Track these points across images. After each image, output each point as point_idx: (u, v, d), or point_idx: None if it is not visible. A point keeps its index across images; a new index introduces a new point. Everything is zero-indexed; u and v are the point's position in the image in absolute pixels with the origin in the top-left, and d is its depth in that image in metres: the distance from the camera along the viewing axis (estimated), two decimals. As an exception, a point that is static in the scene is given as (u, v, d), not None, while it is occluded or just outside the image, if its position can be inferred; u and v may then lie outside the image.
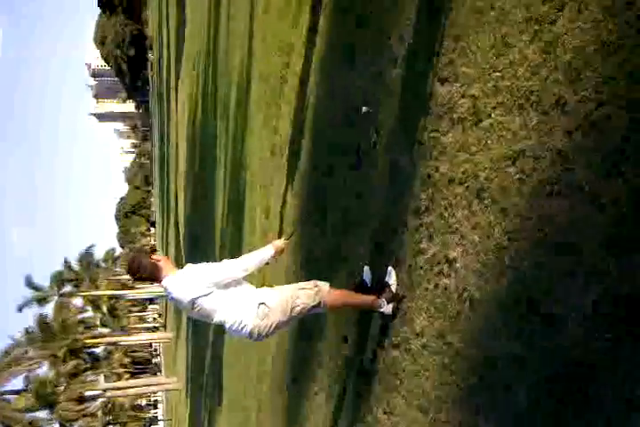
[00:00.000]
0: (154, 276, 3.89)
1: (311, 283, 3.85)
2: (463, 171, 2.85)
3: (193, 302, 3.72)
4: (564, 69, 2.20)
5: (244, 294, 3.79)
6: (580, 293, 2.04)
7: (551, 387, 2.18)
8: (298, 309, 3.73)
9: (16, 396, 30.08)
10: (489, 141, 2.63)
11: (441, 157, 3.08)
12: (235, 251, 10.85)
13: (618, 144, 1.93)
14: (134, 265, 3.89)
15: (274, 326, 3.73)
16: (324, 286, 3.81)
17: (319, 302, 3.77)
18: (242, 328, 3.72)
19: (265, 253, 3.94)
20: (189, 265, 3.88)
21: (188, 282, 3.74)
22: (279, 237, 4.30)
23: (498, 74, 2.57)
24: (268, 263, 4.07)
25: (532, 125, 2.34)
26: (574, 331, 2.06)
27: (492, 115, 2.61)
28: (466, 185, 2.83)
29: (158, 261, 3.84)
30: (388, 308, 3.70)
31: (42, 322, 33.06)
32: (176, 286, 3.77)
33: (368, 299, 3.79)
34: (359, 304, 3.90)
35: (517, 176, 2.42)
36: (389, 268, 3.73)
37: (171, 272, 3.82)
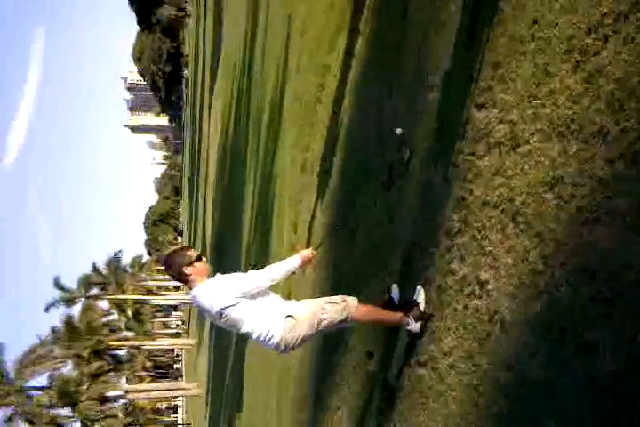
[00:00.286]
0: (179, 280, 3.96)
1: (339, 297, 3.87)
2: (498, 194, 2.87)
3: (221, 312, 3.76)
4: (606, 99, 2.22)
5: (272, 306, 3.82)
6: (619, 322, 2.05)
7: (583, 416, 2.18)
8: (325, 322, 3.75)
9: (39, 392, 30.48)
10: (526, 167, 2.65)
11: (476, 180, 3.10)
12: (261, 264, 10.91)
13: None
14: (167, 261, 3.96)
15: (300, 338, 3.75)
16: (352, 301, 3.83)
17: (346, 317, 3.80)
18: (268, 340, 3.76)
19: (292, 262, 3.95)
20: (218, 275, 3.93)
21: (216, 292, 3.78)
22: (307, 246, 4.31)
23: (537, 101, 2.60)
24: (294, 273, 4.08)
25: (572, 153, 2.36)
26: (611, 360, 2.07)
27: (531, 141, 2.63)
28: (501, 208, 2.85)
29: (189, 275, 3.84)
30: (415, 326, 3.71)
31: (68, 322, 33.50)
32: (205, 295, 3.81)
33: (396, 316, 3.81)
34: (387, 321, 3.91)
35: (555, 202, 2.44)
36: (418, 286, 3.75)
37: (200, 282, 3.86)
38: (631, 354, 1.98)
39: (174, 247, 4.20)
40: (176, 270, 3.88)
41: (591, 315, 2.19)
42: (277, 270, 3.91)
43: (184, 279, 3.90)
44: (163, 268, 4.02)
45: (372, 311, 3.88)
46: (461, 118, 3.26)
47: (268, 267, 3.97)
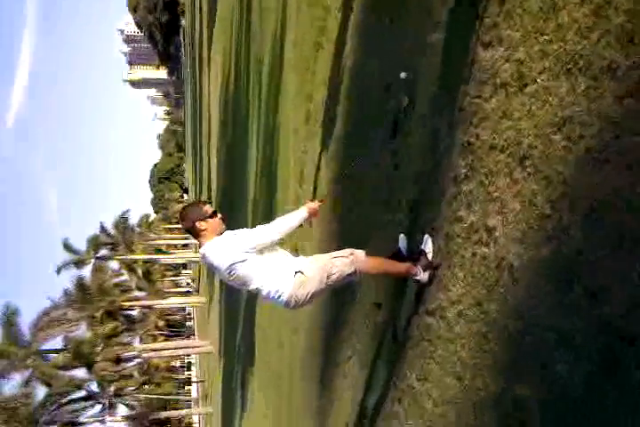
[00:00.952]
0: (191, 234, 3.94)
1: (347, 251, 3.84)
2: (505, 138, 2.79)
3: (229, 268, 3.75)
4: (615, 33, 2.12)
5: (281, 262, 3.80)
6: (627, 263, 2.01)
7: (591, 357, 2.17)
8: (334, 277, 3.74)
9: (55, 355, 31.14)
10: (534, 107, 2.56)
11: (482, 123, 3.02)
12: (267, 218, 10.92)
13: (672, 110, 1.86)
14: (182, 214, 3.95)
15: (310, 294, 3.75)
16: (360, 253, 3.81)
17: (355, 270, 3.78)
18: (278, 297, 3.75)
19: (298, 215, 3.93)
20: (227, 232, 3.90)
21: (224, 249, 3.76)
22: (313, 199, 4.28)
23: (545, 37, 2.49)
24: (301, 226, 4.06)
25: (581, 91, 2.27)
26: (619, 303, 2.03)
27: (538, 80, 2.53)
28: (508, 152, 2.77)
29: (202, 230, 3.82)
30: (424, 275, 3.69)
31: (79, 284, 33.91)
32: (214, 252, 3.80)
33: (404, 266, 3.79)
34: (395, 272, 3.90)
35: (563, 143, 2.36)
36: (426, 235, 3.71)
37: (210, 239, 3.84)
38: (638, 295, 1.95)
39: (191, 201, 4.18)
40: (189, 224, 3.86)
41: (599, 258, 2.15)
42: (285, 223, 3.88)
43: (196, 234, 3.88)
44: (173, 225, 4.01)
45: (379, 263, 3.87)
46: (467, 59, 3.15)
47: (275, 220, 3.94)
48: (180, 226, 4.22)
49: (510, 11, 2.75)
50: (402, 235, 4.09)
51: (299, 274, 3.72)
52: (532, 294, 2.57)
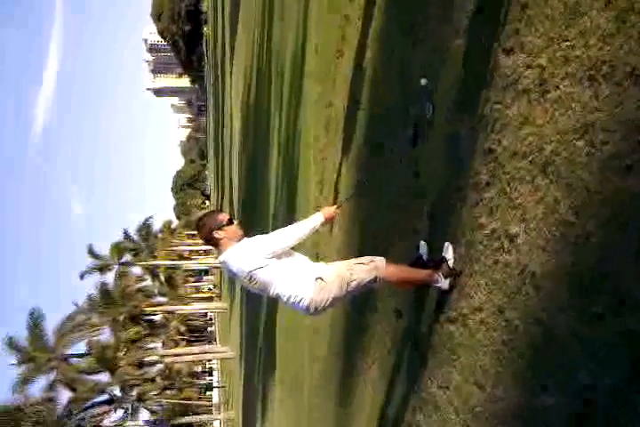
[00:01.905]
0: (209, 243, 3.96)
1: (367, 258, 3.83)
2: (527, 144, 2.77)
3: (250, 275, 3.77)
4: (638, 38, 2.09)
5: (301, 267, 3.81)
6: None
7: (617, 366, 2.14)
8: (354, 284, 3.73)
9: (79, 359, 31.44)
10: (556, 114, 2.54)
11: (504, 130, 3.00)
12: (288, 224, 10.91)
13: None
14: (199, 225, 3.97)
15: (330, 300, 3.75)
16: (381, 261, 3.80)
17: (375, 277, 3.77)
18: (299, 302, 3.76)
19: (315, 220, 3.94)
20: (245, 239, 3.91)
21: (244, 255, 3.78)
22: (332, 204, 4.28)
23: (567, 43, 2.47)
24: (318, 230, 4.07)
25: (604, 97, 2.25)
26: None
27: (560, 86, 2.51)
28: (530, 159, 2.75)
29: (219, 239, 3.85)
30: (445, 283, 3.67)
31: (103, 289, 34.25)
32: (234, 259, 3.82)
33: (424, 273, 3.77)
34: (415, 279, 3.87)
35: (586, 150, 2.34)
36: (447, 243, 3.69)
37: (230, 247, 3.85)
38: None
39: (206, 211, 4.22)
40: (207, 234, 3.89)
41: (624, 266, 2.12)
42: (301, 229, 3.90)
43: (214, 243, 3.91)
44: (194, 231, 4.07)
45: (400, 271, 3.85)
46: (488, 65, 3.13)
47: (291, 225, 3.95)
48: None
49: (532, 17, 2.73)
50: (422, 242, 4.07)
51: (319, 280, 3.72)
52: (555, 302, 2.54)
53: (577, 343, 2.37)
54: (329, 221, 4.04)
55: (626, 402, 2.08)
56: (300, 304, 3.77)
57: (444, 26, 3.81)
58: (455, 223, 3.60)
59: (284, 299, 3.82)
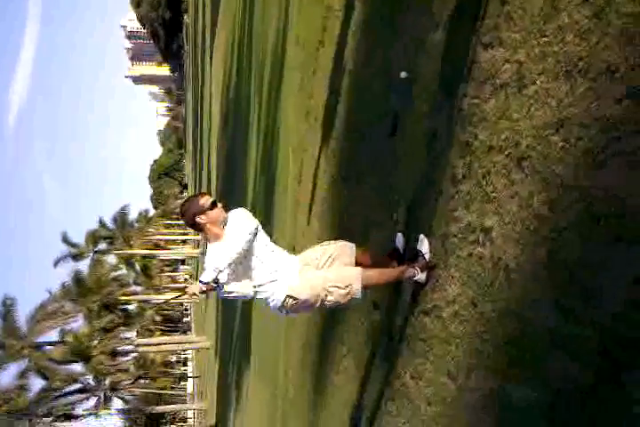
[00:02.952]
0: (193, 228, 3.93)
1: (345, 279, 3.75)
2: (504, 138, 2.79)
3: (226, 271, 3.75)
4: (615, 35, 2.12)
5: (275, 268, 3.80)
6: (623, 265, 2.01)
7: (587, 358, 2.18)
8: (327, 304, 3.82)
9: (52, 348, 31.15)
10: (533, 109, 2.56)
11: (481, 124, 3.02)
12: (266, 213, 10.92)
13: (669, 114, 1.87)
14: (181, 211, 3.91)
15: (301, 311, 3.94)
16: (357, 281, 3.73)
17: (348, 301, 3.81)
18: (270, 302, 3.83)
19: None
20: (230, 218, 3.81)
21: (218, 254, 3.75)
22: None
23: (545, 39, 2.50)
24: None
25: (579, 93, 2.27)
26: (614, 305, 2.04)
27: (537, 81, 2.54)
28: (506, 153, 2.78)
29: (203, 223, 3.76)
30: (421, 276, 3.70)
31: (77, 277, 33.92)
32: (213, 255, 3.78)
33: (399, 271, 3.79)
34: (393, 279, 3.89)
35: (561, 145, 2.36)
36: (421, 235, 3.72)
37: (216, 233, 3.75)
38: (635, 297, 1.96)
39: (190, 195, 4.13)
40: (190, 219, 3.81)
41: (595, 260, 2.15)
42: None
43: (199, 228, 3.85)
44: (171, 221, 4.02)
45: (377, 278, 3.83)
46: (467, 59, 3.15)
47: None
48: (179, 222, 4.21)
49: (511, 12, 2.75)
50: (399, 234, 4.09)
51: (290, 299, 3.74)
52: (528, 294, 2.58)
53: (548, 335, 2.41)
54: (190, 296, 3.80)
55: (594, 393, 2.13)
56: (273, 304, 3.83)
57: (425, 18, 3.82)
58: (431, 216, 3.63)
59: (263, 296, 3.84)
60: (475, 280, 3.05)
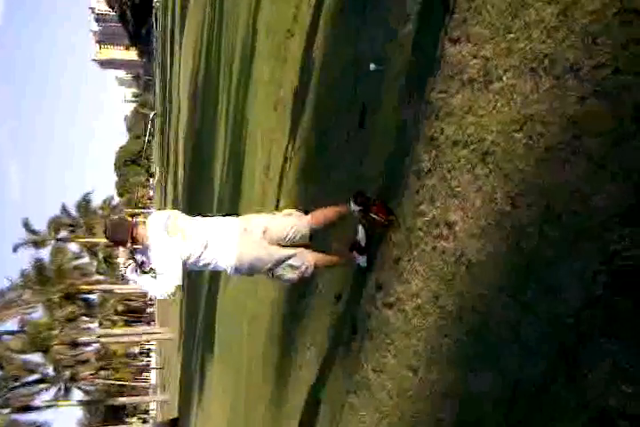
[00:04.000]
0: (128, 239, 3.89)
1: (300, 258, 3.96)
2: (469, 134, 2.81)
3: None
4: (580, 34, 2.14)
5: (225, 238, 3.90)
6: (582, 261, 2.04)
7: (545, 352, 2.21)
8: (277, 274, 4.00)
9: (10, 337, 30.59)
10: (498, 104, 2.58)
11: (447, 118, 3.03)
12: (233, 205, 10.84)
13: (631, 113, 1.89)
14: (113, 238, 3.95)
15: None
16: (309, 265, 3.98)
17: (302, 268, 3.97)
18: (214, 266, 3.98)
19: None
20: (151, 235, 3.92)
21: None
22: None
23: (512, 35, 2.51)
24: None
25: (544, 90, 2.29)
26: (572, 301, 2.07)
27: (504, 77, 2.55)
28: (471, 148, 2.79)
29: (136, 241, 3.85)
30: (362, 260, 3.96)
31: (38, 265, 33.29)
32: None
33: (343, 256, 4.14)
34: (337, 262, 4.25)
35: (524, 141, 2.38)
36: (359, 226, 3.99)
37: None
38: (591, 293, 1.98)
39: (112, 221, 4.17)
40: (127, 242, 3.86)
41: (555, 256, 2.18)
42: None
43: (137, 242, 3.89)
44: (137, 210, 4.11)
45: (322, 261, 4.10)
46: (435, 53, 3.15)
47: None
48: (145, 210, 4.26)
49: (479, 7, 2.76)
50: (360, 227, 4.11)
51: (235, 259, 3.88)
52: (488, 289, 2.60)
53: (507, 329, 2.43)
54: None
55: (549, 389, 2.16)
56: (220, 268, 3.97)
57: (396, 10, 3.81)
58: (397, 209, 3.64)
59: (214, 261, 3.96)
60: (437, 274, 3.07)
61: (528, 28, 2.40)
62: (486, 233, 2.63)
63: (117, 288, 38.64)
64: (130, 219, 4.01)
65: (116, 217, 4.18)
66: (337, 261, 4.23)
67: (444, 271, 3.01)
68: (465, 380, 2.72)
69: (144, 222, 3.96)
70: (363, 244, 4.04)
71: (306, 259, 3.96)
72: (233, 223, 3.93)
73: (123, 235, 3.83)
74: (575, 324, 2.05)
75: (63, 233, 40.40)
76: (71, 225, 41.33)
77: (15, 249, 37.49)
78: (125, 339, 36.48)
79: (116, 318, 40.79)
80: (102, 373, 36.56)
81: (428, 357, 3.10)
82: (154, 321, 57.03)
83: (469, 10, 2.85)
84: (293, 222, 3.95)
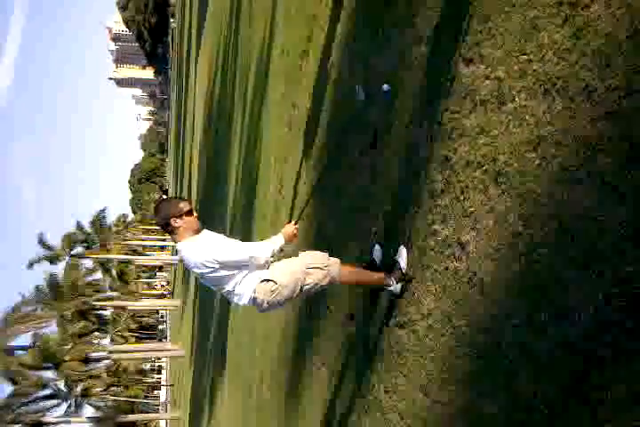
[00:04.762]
0: (164, 229, 3.87)
1: (323, 260, 3.79)
2: (482, 154, 2.81)
3: (201, 273, 3.75)
4: (593, 56, 2.15)
5: (253, 268, 3.78)
6: (593, 284, 2.02)
7: (556, 375, 2.19)
8: (307, 287, 3.74)
9: (23, 352, 30.63)
10: (511, 125, 2.59)
11: (460, 139, 3.04)
12: (246, 224, 10.87)
13: (643, 135, 1.89)
14: (157, 208, 3.88)
15: (281, 301, 3.76)
16: (335, 265, 3.78)
17: (329, 282, 3.78)
18: (239, 300, 3.79)
19: (276, 241, 3.88)
20: (206, 231, 3.85)
21: (199, 252, 3.72)
22: (289, 221, 4.24)
23: (525, 57, 2.52)
24: (282, 250, 3.97)
25: (557, 111, 2.30)
26: (584, 324, 2.05)
27: (517, 98, 2.56)
28: (484, 169, 2.79)
29: (176, 227, 3.76)
30: (396, 287, 3.69)
31: (52, 281, 33.45)
32: (190, 252, 3.75)
33: (376, 276, 3.78)
34: (368, 281, 3.88)
35: (537, 162, 2.39)
36: (401, 247, 3.71)
37: (188, 236, 3.77)
38: (605, 316, 1.97)
39: (168, 197, 4.12)
40: (163, 219, 3.78)
41: (567, 278, 2.17)
42: (261, 250, 3.80)
43: (170, 230, 3.80)
44: (150, 227, 4.02)
45: (354, 273, 3.86)
46: (448, 74, 3.17)
47: (254, 243, 3.91)
48: (158, 228, 4.17)
49: (492, 29, 2.78)
50: (377, 246, 4.09)
51: (271, 282, 3.70)
52: (501, 310, 2.58)
53: (519, 351, 2.41)
54: (291, 240, 3.98)
55: (561, 411, 2.13)
56: (241, 302, 3.79)
57: (410, 32, 3.85)
58: (409, 229, 3.63)
59: (234, 298, 3.81)
60: (450, 294, 3.06)
61: (541, 49, 2.41)
62: (499, 254, 2.62)
63: (130, 305, 38.71)
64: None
65: (171, 200, 4.03)
66: (371, 282, 3.86)
67: (456, 292, 3.00)
68: (477, 402, 2.70)
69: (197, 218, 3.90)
70: (378, 262, 4.00)
71: (329, 264, 3.78)
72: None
73: (172, 209, 3.78)
74: (588, 347, 2.03)
75: (78, 249, 40.66)
76: (85, 241, 41.60)
77: (30, 265, 37.75)
78: (137, 355, 36.44)
79: (127, 334, 40.84)
80: (113, 389, 36.51)
81: (440, 378, 3.08)
82: (166, 338, 56.95)
83: (482, 32, 2.88)
84: (328, 262, 3.78)
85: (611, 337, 1.94)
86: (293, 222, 4.04)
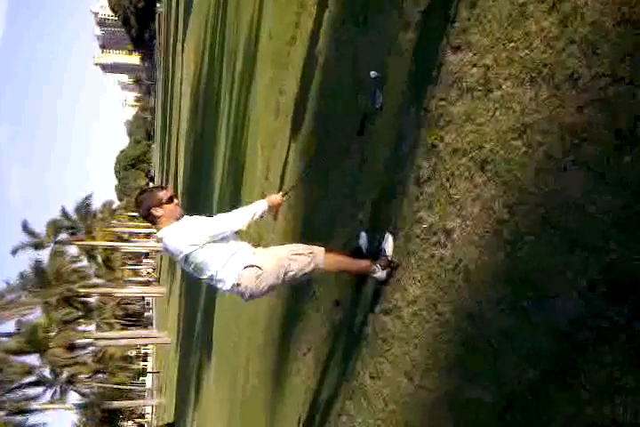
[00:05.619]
0: (147, 220, 3.89)
1: (306, 248, 3.81)
2: (468, 141, 2.82)
3: (185, 256, 3.73)
4: (580, 43, 2.15)
5: (237, 253, 3.78)
6: (578, 271, 2.04)
7: (540, 360, 2.21)
8: (291, 273, 3.72)
9: (7, 339, 30.50)
10: (497, 113, 2.59)
11: (447, 126, 3.04)
12: (232, 208, 10.83)
13: (630, 123, 1.90)
14: (138, 200, 3.88)
15: (265, 288, 3.75)
16: (319, 252, 3.78)
17: (313, 268, 3.78)
18: (230, 287, 3.76)
19: (258, 206, 3.92)
20: (186, 217, 3.86)
21: (183, 235, 3.73)
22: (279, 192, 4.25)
23: (512, 44, 2.52)
24: (262, 217, 4.01)
25: (543, 99, 2.30)
26: (567, 310, 2.07)
27: (503, 86, 2.56)
28: (470, 156, 2.80)
29: (158, 216, 3.78)
30: (382, 274, 3.71)
31: (37, 268, 33.25)
32: (171, 238, 3.76)
33: (362, 264, 3.79)
34: (354, 269, 3.89)
35: (523, 150, 2.39)
36: (387, 234, 3.73)
37: (168, 224, 3.79)
38: (588, 303, 1.99)
39: (149, 186, 4.12)
40: (145, 210, 3.80)
41: (552, 265, 2.18)
42: (243, 215, 3.86)
43: (152, 220, 3.83)
44: (136, 213, 4.00)
45: (338, 261, 3.86)
46: (436, 61, 3.17)
47: (235, 210, 3.92)
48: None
49: (480, 16, 2.77)
50: (363, 233, 4.10)
51: (255, 268, 3.70)
52: (485, 297, 2.60)
53: (504, 338, 2.44)
54: (274, 209, 4.02)
55: (545, 396, 2.16)
56: (223, 288, 3.78)
57: (397, 19, 3.83)
58: (396, 216, 3.64)
59: (218, 285, 3.81)
60: (435, 281, 3.08)
61: (528, 37, 2.41)
62: (484, 241, 2.64)
63: (116, 292, 38.60)
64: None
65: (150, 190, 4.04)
66: (356, 269, 3.87)
67: (441, 278, 3.01)
68: (460, 387, 2.72)
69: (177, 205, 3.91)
70: (364, 249, 4.00)
71: (313, 250, 3.77)
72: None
73: (152, 200, 3.80)
74: (572, 333, 2.05)
75: (62, 236, 40.38)
76: (71, 228, 41.31)
77: (14, 252, 37.43)
78: (122, 342, 36.40)
79: (113, 321, 40.75)
80: (99, 376, 36.50)
81: (425, 364, 3.10)
82: (152, 325, 56.92)
83: (470, 19, 2.87)
84: (312, 249, 3.78)
85: (594, 323, 1.96)
86: (282, 193, 4.09)
